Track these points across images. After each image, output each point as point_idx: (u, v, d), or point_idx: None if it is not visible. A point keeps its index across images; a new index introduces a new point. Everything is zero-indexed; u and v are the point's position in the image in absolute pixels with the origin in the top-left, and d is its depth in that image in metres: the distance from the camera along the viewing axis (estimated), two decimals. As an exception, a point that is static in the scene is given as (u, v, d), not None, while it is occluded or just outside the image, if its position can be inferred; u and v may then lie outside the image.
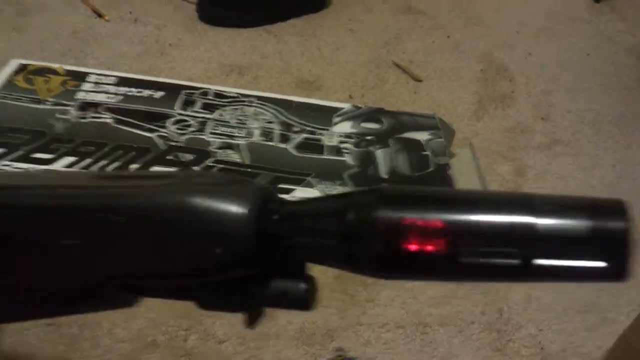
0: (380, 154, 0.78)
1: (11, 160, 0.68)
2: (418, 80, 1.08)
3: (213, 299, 0.31)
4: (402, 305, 0.68)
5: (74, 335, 0.61)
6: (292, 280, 0.31)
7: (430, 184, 0.74)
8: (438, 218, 0.25)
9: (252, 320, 0.32)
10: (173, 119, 0.78)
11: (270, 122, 0.80)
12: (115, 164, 0.70)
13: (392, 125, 0.83)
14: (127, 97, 0.80)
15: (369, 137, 0.80)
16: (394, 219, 0.25)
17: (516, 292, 0.71)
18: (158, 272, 0.32)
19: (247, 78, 1.01)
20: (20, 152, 0.69)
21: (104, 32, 1.08)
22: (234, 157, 0.73)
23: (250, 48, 1.10)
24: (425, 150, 0.80)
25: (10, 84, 0.80)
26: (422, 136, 0.82)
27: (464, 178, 0.81)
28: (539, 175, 0.90)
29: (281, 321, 0.64)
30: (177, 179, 0.33)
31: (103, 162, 0.70)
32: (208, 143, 0.75)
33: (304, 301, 0.31)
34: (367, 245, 0.26)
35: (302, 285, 0.31)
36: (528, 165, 0.92)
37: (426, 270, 0.25)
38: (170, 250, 0.31)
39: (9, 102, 0.77)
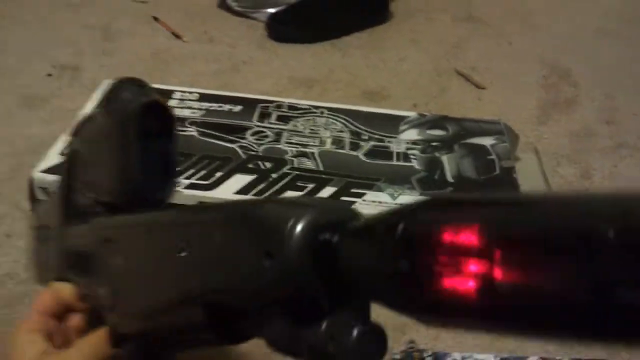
0: (446, 159, 0.82)
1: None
2: (481, 87, 1.11)
3: (279, 335, 0.28)
4: (471, 303, 0.72)
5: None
6: (347, 322, 0.26)
7: (496, 187, 0.77)
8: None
9: None
10: (251, 131, 0.84)
11: (340, 131, 0.85)
12: (202, 172, 0.77)
13: (457, 132, 0.87)
14: (208, 112, 0.88)
15: (434, 144, 0.84)
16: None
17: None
18: (220, 288, 0.30)
19: (316, 91, 1.07)
20: (118, 164, 0.77)
21: (182, 52, 1.16)
22: (309, 164, 0.79)
23: (317, 62, 1.15)
24: (490, 155, 0.83)
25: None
26: (487, 141, 0.85)
27: (529, 181, 0.83)
28: (605, 178, 0.91)
29: (356, 316, 0.69)
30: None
31: (191, 171, 0.77)
32: (284, 152, 0.81)
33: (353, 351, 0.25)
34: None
35: (358, 329, 0.25)
36: (593, 168, 0.93)
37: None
38: (226, 263, 0.30)
39: (106, 119, 0.85)
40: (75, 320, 0.44)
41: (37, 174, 0.75)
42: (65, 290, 0.43)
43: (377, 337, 0.26)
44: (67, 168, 0.45)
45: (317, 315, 0.26)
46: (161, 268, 0.34)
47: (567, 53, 1.23)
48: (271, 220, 0.27)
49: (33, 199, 0.77)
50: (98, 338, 0.39)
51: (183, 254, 0.32)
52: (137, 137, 0.39)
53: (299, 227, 0.25)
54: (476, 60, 1.20)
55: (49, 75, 1.07)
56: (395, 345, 0.66)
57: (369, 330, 0.26)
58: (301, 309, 0.26)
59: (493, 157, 0.83)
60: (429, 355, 0.63)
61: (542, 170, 0.89)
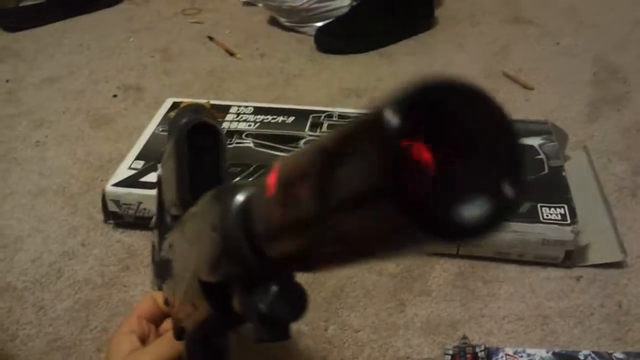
0: (493, 160, 0.83)
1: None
2: (529, 88, 1.11)
3: (240, 304, 0.31)
4: (522, 300, 0.73)
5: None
6: (270, 285, 0.30)
7: (545, 186, 0.79)
8: None
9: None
10: (304, 140, 0.89)
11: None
12: (259, 182, 0.81)
13: (504, 133, 0.88)
14: (263, 124, 0.93)
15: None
16: None
17: (635, 285, 0.73)
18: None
19: (365, 99, 1.10)
20: (181, 176, 0.82)
21: (236, 68, 1.22)
22: (359, 170, 0.82)
23: (365, 72, 1.19)
24: (539, 155, 0.84)
25: (166, 119, 0.95)
26: (535, 141, 0.86)
27: (579, 179, 0.84)
28: (659, 173, 0.91)
29: (409, 313, 0.72)
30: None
31: (248, 181, 0.81)
32: (335, 159, 0.84)
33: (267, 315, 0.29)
34: None
35: (276, 288, 0.29)
36: (646, 164, 0.92)
37: None
38: (200, 240, 0.34)
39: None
40: (168, 324, 0.49)
41: (109, 188, 0.81)
42: (160, 297, 0.49)
43: (294, 294, 0.30)
44: (158, 192, 0.52)
45: (260, 283, 0.30)
46: (185, 260, 0.39)
47: (617, 50, 1.22)
48: (220, 198, 0.31)
49: (106, 210, 0.83)
50: (170, 336, 0.44)
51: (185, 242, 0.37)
52: (189, 153, 0.44)
53: (236, 201, 0.29)
54: (524, 61, 1.20)
55: (115, 96, 1.14)
56: (448, 341, 0.68)
57: (286, 289, 0.29)
58: (249, 278, 0.30)
59: (541, 156, 0.85)
60: (482, 350, 0.65)
61: (593, 168, 0.89)
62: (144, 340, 0.48)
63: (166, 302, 0.48)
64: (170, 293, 0.46)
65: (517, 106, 1.06)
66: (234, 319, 0.33)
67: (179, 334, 0.43)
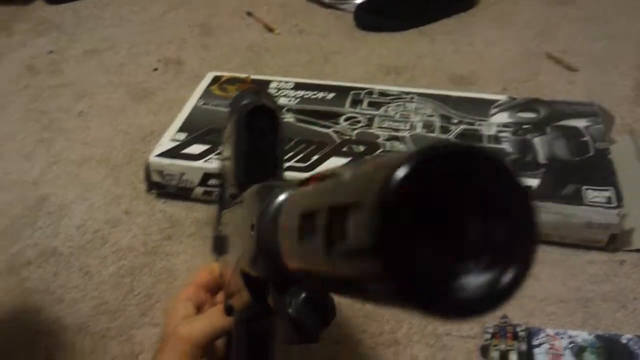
0: (538, 141, 0.82)
1: (217, 155, 0.82)
2: (573, 70, 1.09)
3: (274, 302, 0.32)
4: (563, 282, 0.72)
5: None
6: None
7: (590, 168, 0.77)
8: None
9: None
10: (344, 116, 0.88)
11: (430, 116, 0.88)
12: (300, 156, 0.82)
13: (549, 114, 0.87)
14: (303, 99, 0.93)
15: (526, 126, 0.85)
16: None
17: (682, 270, 0.72)
18: None
19: (404, 77, 1.09)
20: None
21: (275, 44, 1.22)
22: (400, 147, 0.82)
23: (405, 49, 1.18)
24: (584, 137, 0.83)
25: (208, 92, 0.96)
26: (580, 123, 0.85)
27: (625, 162, 0.82)
28: None
29: (448, 292, 0.72)
30: None
31: (289, 155, 0.82)
32: (376, 136, 0.85)
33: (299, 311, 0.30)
34: None
35: (304, 295, 0.30)
36: (694, 149, 0.90)
37: None
38: (242, 235, 0.35)
39: (209, 107, 0.93)
40: (222, 295, 0.50)
41: (153, 158, 0.82)
42: (217, 268, 0.50)
43: (321, 303, 0.31)
44: (220, 168, 0.53)
45: (292, 285, 0.31)
46: (233, 244, 0.40)
47: (666, 32, 1.18)
48: (261, 197, 0.31)
49: (149, 180, 0.84)
50: (220, 308, 0.45)
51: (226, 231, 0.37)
52: (246, 134, 0.44)
53: (274, 205, 0.29)
54: (566, 43, 1.18)
55: (155, 69, 1.15)
56: (488, 320, 0.68)
57: (314, 297, 0.30)
58: (283, 280, 0.31)
59: (587, 138, 0.83)
60: (523, 330, 0.65)
61: (639, 151, 0.87)
62: (199, 309, 0.49)
63: (221, 275, 0.49)
64: (223, 268, 0.47)
65: (560, 88, 1.04)
66: (271, 311, 0.34)
67: (228, 310, 0.44)
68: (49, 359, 0.67)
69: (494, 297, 0.20)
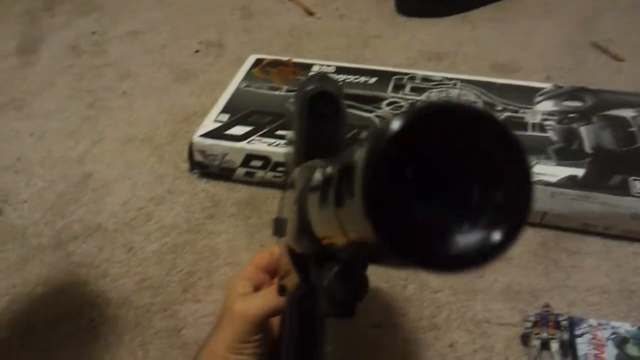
0: (584, 130, 0.81)
1: (259, 136, 0.83)
2: (619, 59, 1.07)
3: (313, 277, 0.34)
4: (607, 273, 0.71)
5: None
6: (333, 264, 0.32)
7: (637, 159, 0.76)
8: None
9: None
10: (387, 101, 0.88)
11: (474, 102, 0.87)
12: (342, 140, 0.81)
13: (595, 103, 0.85)
14: (345, 83, 0.92)
15: (571, 115, 0.84)
16: None
17: None
18: None
19: (445, 64, 1.08)
20: (265, 130, 0.84)
21: (315, 28, 1.22)
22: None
23: (446, 36, 1.17)
24: (631, 127, 0.81)
25: (250, 75, 0.97)
26: (627, 113, 0.83)
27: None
28: None
29: (488, 279, 0.71)
30: None
31: (331, 138, 0.81)
32: (419, 121, 0.84)
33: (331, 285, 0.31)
34: None
35: (336, 269, 0.31)
36: None
37: None
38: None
39: (252, 89, 0.93)
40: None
41: (197, 138, 0.83)
42: (277, 251, 0.51)
43: (352, 278, 0.31)
44: (288, 152, 0.54)
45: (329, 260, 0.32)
46: (289, 224, 0.41)
47: None
48: (304, 173, 0.33)
49: (192, 160, 0.86)
50: (275, 288, 0.47)
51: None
52: (308, 120, 0.45)
53: (314, 180, 0.30)
54: (612, 32, 1.15)
55: (197, 51, 1.16)
56: (529, 309, 0.68)
57: (346, 272, 0.31)
58: (321, 255, 0.32)
59: (634, 129, 0.81)
60: (565, 320, 0.64)
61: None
62: (257, 289, 0.51)
63: (279, 257, 0.50)
64: (280, 250, 0.48)
65: (607, 78, 1.02)
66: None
67: (281, 290, 0.45)
68: (94, 330, 0.69)
69: (485, 254, 0.21)
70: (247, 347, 0.47)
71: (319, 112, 0.43)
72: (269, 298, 0.46)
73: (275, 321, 0.49)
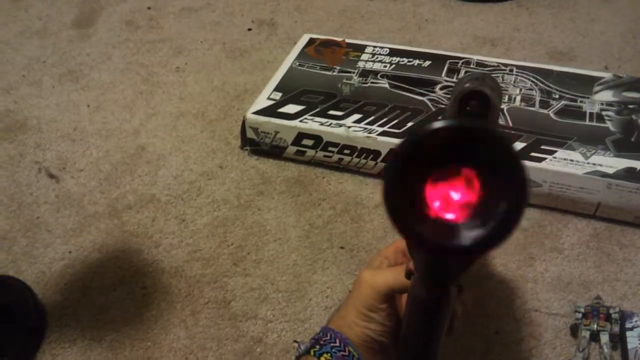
0: (644, 121, 0.79)
1: (311, 115, 0.84)
2: (683, 50, 1.03)
3: None
4: (661, 269, 0.70)
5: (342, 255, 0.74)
6: None
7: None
8: None
9: None
10: (440, 85, 0.87)
11: (530, 89, 0.86)
12: (394, 122, 0.81)
13: (657, 95, 0.83)
14: (398, 66, 0.92)
15: (631, 106, 0.82)
16: None
17: None
18: None
19: (500, 49, 1.07)
20: (317, 109, 0.85)
21: (368, 10, 1.21)
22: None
23: (502, 21, 1.14)
24: (693, 120, 0.78)
25: (303, 54, 0.97)
26: (690, 105, 0.80)
27: None
28: None
29: (538, 268, 0.71)
30: None
31: (383, 120, 0.82)
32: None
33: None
34: None
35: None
36: None
37: None
38: None
39: (304, 69, 0.93)
40: None
41: (250, 115, 0.84)
42: None
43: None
44: None
45: None
46: None
47: None
48: None
49: (244, 137, 0.87)
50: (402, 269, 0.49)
51: None
52: (457, 116, 0.45)
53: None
54: (677, 22, 1.11)
55: (249, 30, 1.17)
56: (580, 300, 0.67)
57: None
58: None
59: (696, 122, 0.79)
60: (616, 312, 0.64)
61: None
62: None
63: None
64: None
65: (668, 69, 0.99)
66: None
67: (408, 274, 0.46)
68: (147, 298, 0.71)
69: (483, 246, 0.29)
70: (373, 316, 0.49)
71: (469, 111, 0.44)
72: (396, 274, 0.48)
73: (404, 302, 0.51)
